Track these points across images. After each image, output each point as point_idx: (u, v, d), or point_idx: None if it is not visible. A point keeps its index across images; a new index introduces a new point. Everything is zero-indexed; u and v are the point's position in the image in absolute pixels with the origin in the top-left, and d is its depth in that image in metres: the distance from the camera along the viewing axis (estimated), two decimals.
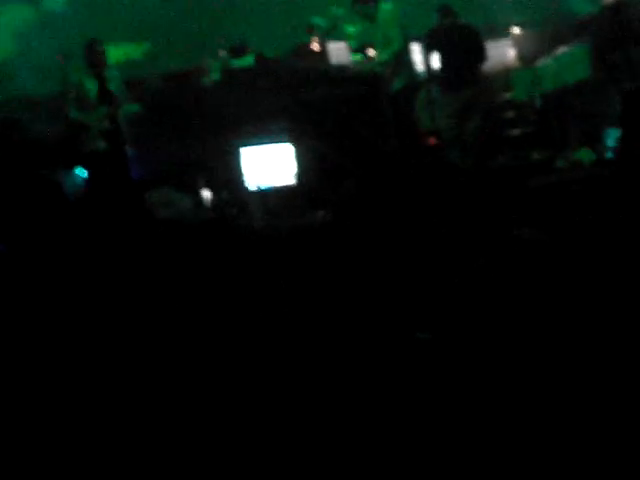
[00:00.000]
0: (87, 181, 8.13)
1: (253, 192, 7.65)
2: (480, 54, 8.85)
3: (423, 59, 8.63)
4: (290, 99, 7.72)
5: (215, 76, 8.73)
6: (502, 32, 10.05)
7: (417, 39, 8.66)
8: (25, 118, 8.80)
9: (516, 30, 10.07)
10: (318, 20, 9.48)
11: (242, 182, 7.71)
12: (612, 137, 7.99)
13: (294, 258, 5.63)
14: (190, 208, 7.81)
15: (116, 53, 10.12)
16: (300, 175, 7.45)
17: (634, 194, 5.68)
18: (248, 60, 8.79)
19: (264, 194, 7.59)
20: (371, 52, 9.08)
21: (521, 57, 9.89)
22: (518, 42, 10.01)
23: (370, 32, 8.51)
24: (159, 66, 10.91)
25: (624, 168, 6.98)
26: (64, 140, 8.24)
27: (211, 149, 8.01)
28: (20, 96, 10.16)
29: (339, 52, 8.80)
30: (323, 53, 8.72)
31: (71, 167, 8.05)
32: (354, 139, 7.64)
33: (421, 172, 6.92)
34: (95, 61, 8.25)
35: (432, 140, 8.32)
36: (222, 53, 9.19)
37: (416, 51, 8.68)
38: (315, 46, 8.74)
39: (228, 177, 7.83)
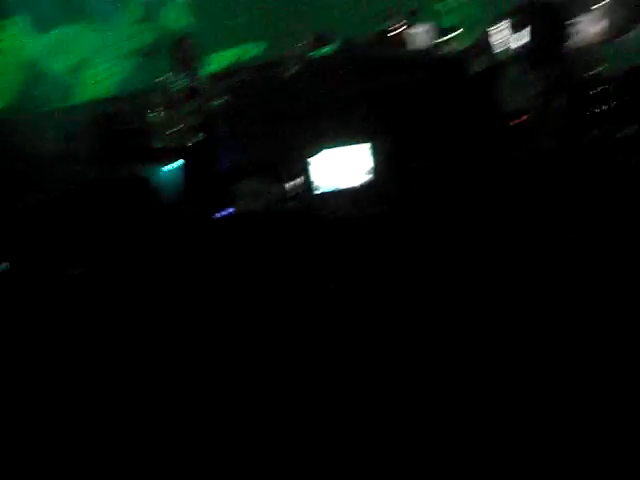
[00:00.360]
0: (180, 175, 8.33)
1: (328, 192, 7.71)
2: (568, 29, 8.69)
3: (510, 37, 8.54)
4: (368, 86, 7.74)
5: (298, 65, 8.80)
6: (592, 3, 9.79)
7: (505, 16, 8.56)
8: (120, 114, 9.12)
9: (606, 1, 9.80)
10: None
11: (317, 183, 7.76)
12: None
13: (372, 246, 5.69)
14: (276, 199, 7.94)
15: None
16: (377, 173, 7.46)
17: None
18: (330, 48, 8.85)
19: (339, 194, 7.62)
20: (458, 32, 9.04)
21: (612, 29, 9.63)
22: (608, 14, 9.75)
23: (460, 11, 8.45)
24: None
25: None
26: (153, 136, 8.46)
27: (293, 141, 8.10)
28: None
29: (421, 35, 8.77)
30: (404, 37, 8.70)
31: (162, 162, 8.27)
32: (432, 128, 7.61)
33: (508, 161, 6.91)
34: (184, 56, 8.45)
35: (519, 120, 8.24)
36: (307, 41, 9.25)
37: (504, 29, 8.58)
38: (396, 31, 8.71)
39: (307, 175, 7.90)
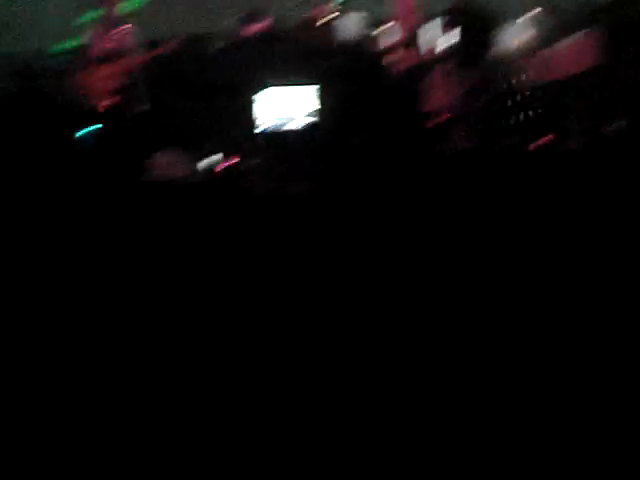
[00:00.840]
0: (97, 137, 8.21)
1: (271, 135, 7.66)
2: (497, 34, 8.87)
3: (439, 37, 8.66)
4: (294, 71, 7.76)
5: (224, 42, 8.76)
6: (520, 14, 10.01)
7: (436, 16, 8.66)
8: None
9: (534, 13, 10.02)
10: None
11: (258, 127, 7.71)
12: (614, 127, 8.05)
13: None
14: (195, 170, 7.90)
15: None
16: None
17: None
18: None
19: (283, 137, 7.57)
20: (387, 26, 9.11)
21: (537, 40, 9.86)
22: (535, 26, 9.97)
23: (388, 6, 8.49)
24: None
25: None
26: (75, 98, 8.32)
27: (222, 107, 8.06)
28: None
29: (348, 25, 8.78)
30: (329, 26, 8.71)
31: (81, 124, 8.13)
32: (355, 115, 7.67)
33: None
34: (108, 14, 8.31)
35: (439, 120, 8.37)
36: (233, 20, 9.20)
37: (433, 28, 8.69)
38: (322, 18, 8.71)
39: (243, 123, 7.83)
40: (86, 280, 5.05)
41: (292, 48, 8.18)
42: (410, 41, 8.23)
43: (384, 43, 8.92)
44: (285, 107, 7.74)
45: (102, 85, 8.18)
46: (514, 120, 9.20)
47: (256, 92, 8.01)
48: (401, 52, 8.26)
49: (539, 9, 10.19)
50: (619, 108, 8.21)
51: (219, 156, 8.25)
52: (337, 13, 9.02)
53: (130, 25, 8.46)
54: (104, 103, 8.17)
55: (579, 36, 8.82)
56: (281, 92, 7.93)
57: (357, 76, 7.84)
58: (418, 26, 8.57)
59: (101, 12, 8.44)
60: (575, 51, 8.79)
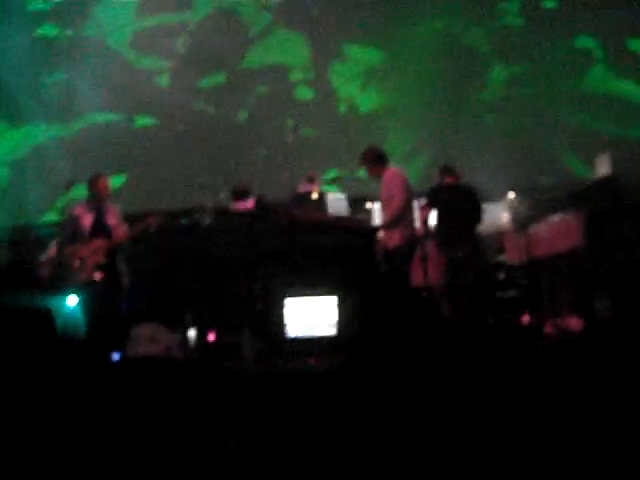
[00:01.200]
0: (79, 310, 8.10)
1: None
2: (477, 215, 9.06)
3: (422, 215, 8.81)
4: (289, 244, 7.81)
5: (213, 216, 8.84)
6: (498, 196, 10.29)
7: (419, 196, 8.82)
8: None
9: (511, 195, 10.31)
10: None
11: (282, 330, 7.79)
12: (601, 305, 8.07)
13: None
14: (175, 346, 7.78)
15: None
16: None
17: (623, 363, 5.66)
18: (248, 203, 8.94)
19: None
20: (370, 205, 9.28)
21: (515, 221, 10.10)
22: (513, 206, 10.24)
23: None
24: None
25: (614, 336, 7.01)
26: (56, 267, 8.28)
27: (205, 288, 8.09)
28: None
29: (338, 202, 8.96)
30: (322, 202, 8.86)
31: (63, 295, 8.04)
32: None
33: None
34: (97, 194, 8.38)
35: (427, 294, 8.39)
36: (223, 194, 9.35)
37: (416, 207, 8.81)
38: (315, 195, 8.87)
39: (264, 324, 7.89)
40: None
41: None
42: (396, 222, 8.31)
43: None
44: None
45: (89, 258, 8.17)
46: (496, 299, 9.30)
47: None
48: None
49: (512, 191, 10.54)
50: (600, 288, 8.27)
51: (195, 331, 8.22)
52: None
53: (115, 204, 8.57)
54: (90, 275, 8.12)
55: (559, 217, 9.02)
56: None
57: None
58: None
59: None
60: (558, 230, 8.96)
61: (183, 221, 9.11)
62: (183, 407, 5.59)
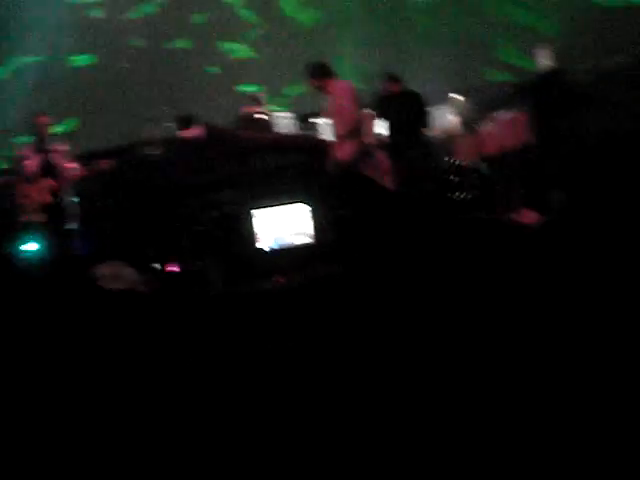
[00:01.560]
0: (35, 254, 8.05)
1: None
2: (425, 119, 9.07)
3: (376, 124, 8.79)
4: (241, 168, 7.76)
5: (161, 147, 8.75)
6: (444, 98, 10.27)
7: (365, 106, 8.77)
8: None
9: (459, 96, 10.28)
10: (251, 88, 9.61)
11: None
12: (554, 199, 8.16)
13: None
14: (139, 281, 7.76)
15: None
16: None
17: (576, 254, 5.75)
18: (195, 130, 8.84)
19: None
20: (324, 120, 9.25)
21: (464, 122, 10.10)
22: (459, 107, 10.22)
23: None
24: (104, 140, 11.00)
25: (568, 229, 7.10)
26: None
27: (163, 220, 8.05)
28: None
29: (285, 120, 8.91)
30: (269, 122, 8.80)
31: (15, 239, 7.99)
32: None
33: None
34: (39, 133, 8.28)
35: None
36: (169, 124, 9.24)
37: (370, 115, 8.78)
38: (261, 115, 8.80)
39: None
40: None
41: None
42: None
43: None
44: None
45: (38, 198, 8.10)
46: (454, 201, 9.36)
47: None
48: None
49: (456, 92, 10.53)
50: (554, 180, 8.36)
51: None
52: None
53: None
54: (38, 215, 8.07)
55: (508, 114, 9.07)
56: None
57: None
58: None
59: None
60: (508, 127, 9.02)
61: (133, 155, 9.01)
62: (152, 337, 5.61)
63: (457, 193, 9.51)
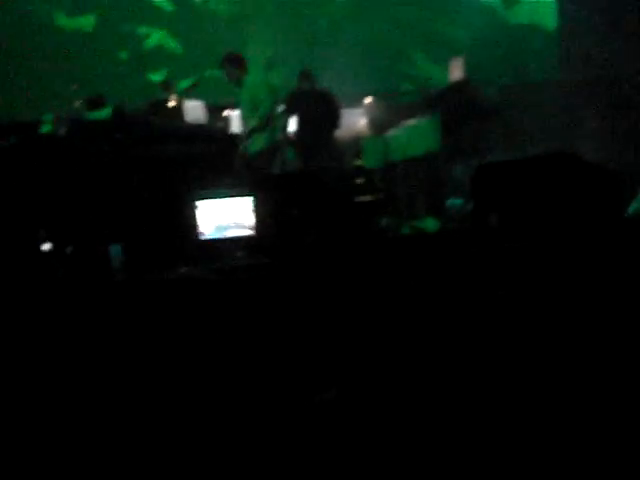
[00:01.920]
0: None
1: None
2: (335, 120, 9.14)
3: (287, 121, 8.82)
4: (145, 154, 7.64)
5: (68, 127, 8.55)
6: (356, 101, 10.38)
7: (281, 102, 8.81)
8: None
9: (369, 100, 10.40)
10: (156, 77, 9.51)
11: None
12: (455, 207, 8.33)
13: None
14: None
15: None
16: None
17: (481, 265, 5.89)
18: (105, 113, 8.67)
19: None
20: (228, 112, 9.21)
21: (372, 126, 10.22)
22: (370, 111, 10.35)
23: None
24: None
25: (470, 238, 7.27)
26: None
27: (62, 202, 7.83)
28: None
29: (195, 110, 8.84)
30: (179, 110, 8.72)
31: None
32: None
33: None
34: None
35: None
36: (77, 104, 9.06)
37: (281, 113, 8.81)
38: (172, 103, 8.73)
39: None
40: None
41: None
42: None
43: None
44: None
45: None
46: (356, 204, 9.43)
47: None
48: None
49: (370, 96, 10.65)
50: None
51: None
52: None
53: None
54: None
55: (415, 121, 9.20)
56: None
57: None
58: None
59: None
60: (412, 136, 9.15)
61: (35, 135, 8.76)
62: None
63: (362, 196, 9.61)
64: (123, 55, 12.69)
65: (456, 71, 9.16)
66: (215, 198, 7.47)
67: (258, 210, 7.49)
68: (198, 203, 7.54)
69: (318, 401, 3.74)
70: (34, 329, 5.08)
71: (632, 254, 4.73)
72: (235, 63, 8.11)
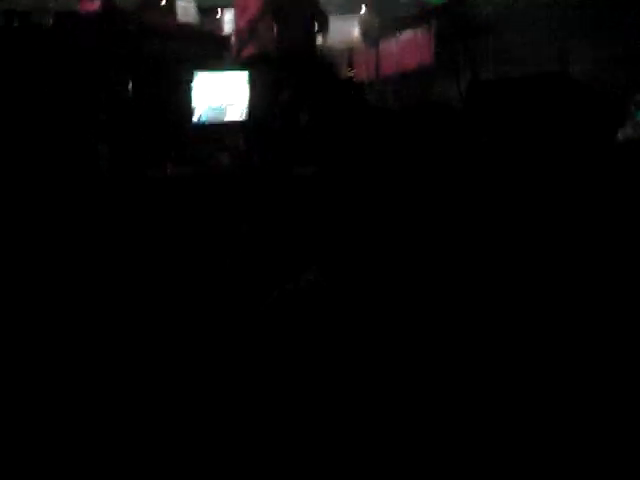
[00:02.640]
0: None
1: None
2: (324, 25, 8.91)
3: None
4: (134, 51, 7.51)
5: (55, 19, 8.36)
6: (349, 10, 10.18)
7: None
8: None
9: (363, 9, 10.22)
10: None
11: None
12: None
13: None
14: None
15: None
16: None
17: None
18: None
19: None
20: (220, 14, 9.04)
21: (366, 36, 10.07)
22: (364, 21, 10.18)
23: None
24: None
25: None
26: None
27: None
28: None
29: (187, 10, 8.69)
30: (171, 9, 8.56)
31: None
32: None
33: None
34: None
35: None
36: None
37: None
38: (164, 1, 8.55)
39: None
40: None
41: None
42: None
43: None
44: None
45: None
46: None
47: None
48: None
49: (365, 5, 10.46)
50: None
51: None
52: None
53: None
54: None
55: (409, 34, 9.10)
56: None
57: None
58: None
59: None
60: (405, 48, 9.06)
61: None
62: None
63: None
64: None
65: None
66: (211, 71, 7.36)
67: (253, 84, 7.40)
68: (194, 77, 7.41)
69: (303, 280, 3.76)
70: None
71: (621, 176, 4.74)
72: None
